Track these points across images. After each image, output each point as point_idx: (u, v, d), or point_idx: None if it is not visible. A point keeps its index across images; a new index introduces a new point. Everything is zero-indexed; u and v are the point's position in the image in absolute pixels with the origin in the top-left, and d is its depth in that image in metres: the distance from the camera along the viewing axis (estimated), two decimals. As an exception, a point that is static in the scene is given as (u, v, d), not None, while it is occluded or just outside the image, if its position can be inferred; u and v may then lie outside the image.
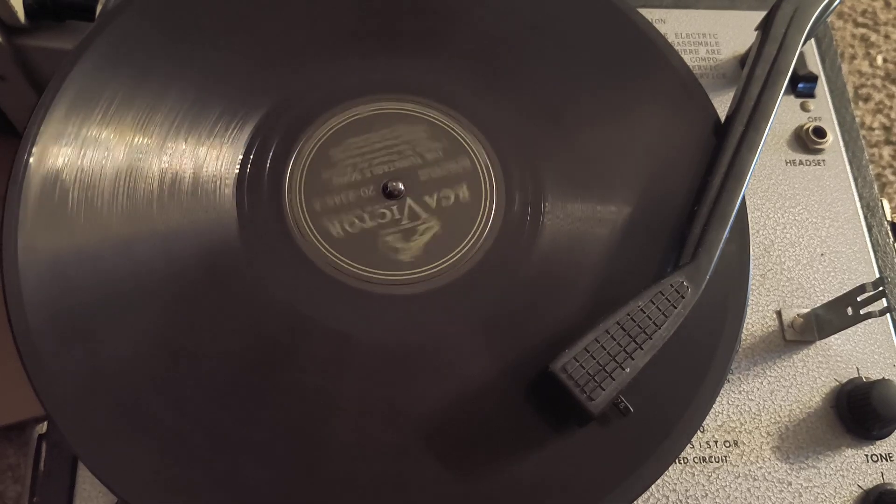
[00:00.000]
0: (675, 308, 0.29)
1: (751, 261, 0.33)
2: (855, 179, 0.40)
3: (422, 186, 0.33)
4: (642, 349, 0.28)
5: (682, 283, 0.30)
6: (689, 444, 0.31)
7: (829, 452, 0.33)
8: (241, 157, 0.32)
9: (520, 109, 0.35)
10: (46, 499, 0.31)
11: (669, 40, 0.38)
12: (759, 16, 0.38)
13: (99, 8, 0.38)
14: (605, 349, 0.28)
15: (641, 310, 0.29)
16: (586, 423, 0.28)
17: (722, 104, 0.37)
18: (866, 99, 0.62)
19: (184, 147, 0.32)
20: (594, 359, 0.28)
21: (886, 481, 0.33)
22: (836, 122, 0.41)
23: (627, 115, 0.35)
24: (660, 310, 0.29)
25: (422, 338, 0.30)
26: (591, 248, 0.32)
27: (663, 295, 0.29)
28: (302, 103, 0.33)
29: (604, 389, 0.27)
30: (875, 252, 0.38)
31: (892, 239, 0.39)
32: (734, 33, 0.43)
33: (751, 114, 0.34)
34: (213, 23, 0.34)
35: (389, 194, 0.32)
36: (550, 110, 0.35)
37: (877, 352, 0.36)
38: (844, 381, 0.35)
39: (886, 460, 0.34)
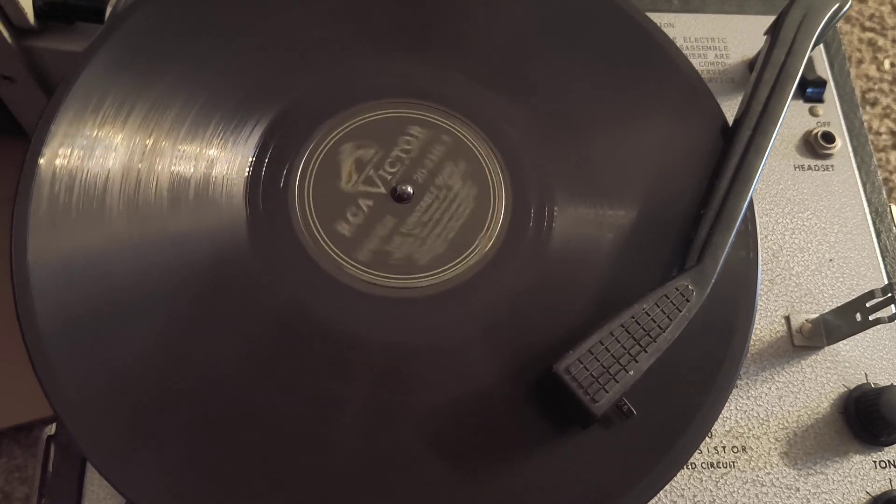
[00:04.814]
0: (680, 311, 0.29)
1: (759, 266, 0.33)
2: (863, 184, 0.39)
3: (430, 190, 0.33)
4: (646, 352, 0.28)
5: (687, 286, 0.30)
6: (697, 450, 0.31)
7: (837, 458, 0.33)
8: (251, 159, 0.32)
9: (528, 113, 0.35)
10: (55, 500, 0.31)
11: (678, 44, 0.38)
12: (767, 20, 0.38)
13: (108, 10, 0.38)
14: (608, 351, 0.28)
15: (646, 313, 0.29)
16: (589, 425, 0.28)
17: (730, 108, 0.37)
18: (873, 103, 0.62)
19: (194, 149, 0.32)
20: (598, 361, 0.28)
21: (894, 488, 0.33)
22: (844, 128, 0.41)
23: (636, 118, 0.35)
24: (664, 313, 0.29)
25: (428, 340, 0.30)
26: (598, 252, 0.32)
27: (668, 298, 0.29)
28: (312, 106, 0.33)
29: (607, 391, 0.27)
30: (884, 257, 0.38)
31: (901, 244, 0.38)
32: (743, 38, 0.43)
33: (759, 118, 0.34)
34: (223, 25, 0.34)
35: (399, 198, 0.32)
36: (559, 114, 0.35)
37: (885, 358, 0.36)
38: (853, 386, 0.35)
39: (895, 466, 0.33)
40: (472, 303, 0.31)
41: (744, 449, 0.33)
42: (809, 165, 0.40)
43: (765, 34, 0.38)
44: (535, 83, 0.36)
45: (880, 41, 0.65)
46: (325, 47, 0.35)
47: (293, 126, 0.33)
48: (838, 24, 0.41)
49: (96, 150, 0.31)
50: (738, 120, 0.34)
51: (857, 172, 0.40)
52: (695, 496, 0.32)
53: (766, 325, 0.36)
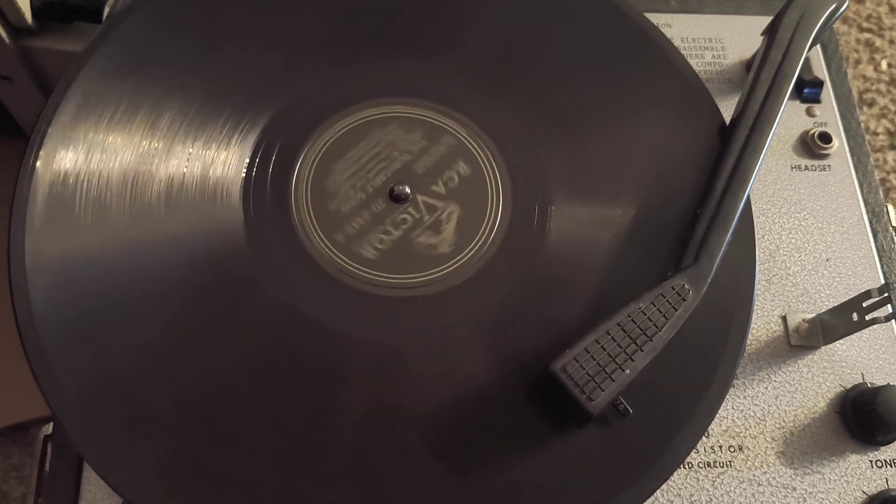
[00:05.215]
0: (676, 310, 0.29)
1: (756, 265, 0.33)
2: (860, 185, 0.40)
3: (428, 190, 0.33)
4: (642, 351, 0.28)
5: (684, 285, 0.30)
6: (693, 449, 0.31)
7: (833, 458, 0.33)
8: (247, 160, 0.32)
9: (527, 114, 0.35)
10: (52, 500, 0.31)
11: (675, 45, 0.38)
12: (765, 21, 0.38)
13: (106, 10, 0.38)
14: (605, 350, 0.28)
15: (642, 311, 0.29)
16: (585, 424, 0.28)
17: (727, 108, 0.37)
18: (871, 104, 0.62)
19: (191, 151, 0.32)
20: (594, 360, 0.28)
21: (891, 487, 0.33)
22: (841, 128, 0.41)
23: (633, 118, 0.35)
24: (660, 312, 0.29)
25: (425, 339, 0.30)
26: (595, 251, 0.32)
27: (664, 297, 0.29)
28: (309, 106, 0.33)
29: (603, 390, 0.27)
30: (880, 257, 0.38)
31: (897, 244, 0.39)
32: (740, 38, 0.43)
33: (756, 118, 0.34)
34: (221, 26, 0.34)
35: (396, 198, 0.32)
36: (557, 114, 0.35)
37: (882, 357, 0.36)
38: (849, 386, 0.35)
39: (891, 466, 0.34)
40: (470, 302, 0.31)
41: (740, 448, 0.33)
42: (806, 165, 0.40)
43: (762, 34, 0.38)
44: (533, 84, 0.36)
45: (877, 42, 0.65)
46: (322, 48, 0.35)
47: (291, 126, 0.33)
48: (835, 25, 0.41)
49: (94, 151, 0.31)
50: (735, 120, 0.34)
51: (853, 172, 0.40)
52: (691, 495, 0.32)
53: (762, 325, 0.36)
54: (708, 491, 0.33)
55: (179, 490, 0.27)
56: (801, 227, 0.38)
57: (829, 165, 0.40)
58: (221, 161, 0.32)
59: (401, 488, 0.28)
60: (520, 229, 0.32)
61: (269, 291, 0.30)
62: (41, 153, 0.30)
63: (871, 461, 0.34)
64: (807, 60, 0.40)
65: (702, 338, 0.31)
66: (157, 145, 0.31)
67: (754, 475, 0.33)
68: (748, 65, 0.42)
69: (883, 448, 0.34)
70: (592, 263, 0.32)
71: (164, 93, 0.32)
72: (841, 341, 0.35)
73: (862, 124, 0.42)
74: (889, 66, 0.64)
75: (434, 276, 0.31)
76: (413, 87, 0.35)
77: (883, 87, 0.63)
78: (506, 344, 0.30)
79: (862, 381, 0.35)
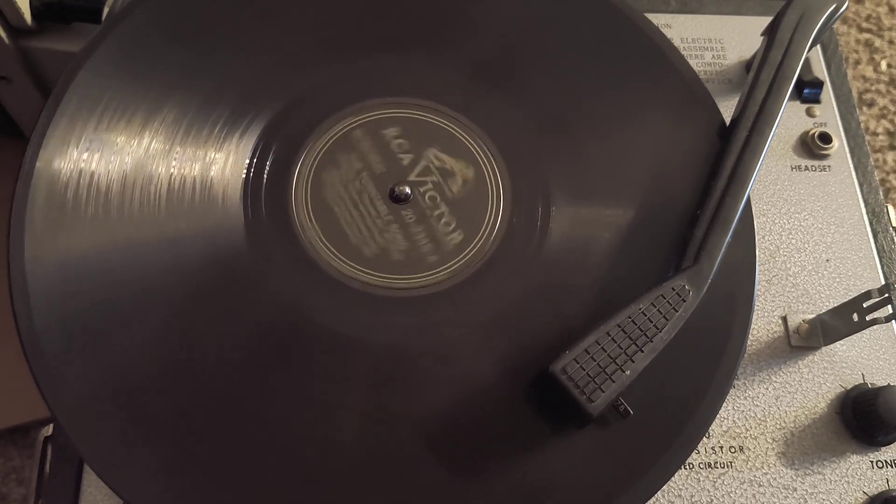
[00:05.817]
0: (676, 311, 0.29)
1: (756, 266, 0.33)
2: (860, 185, 0.40)
3: (427, 190, 0.33)
4: (642, 352, 0.28)
5: (684, 286, 0.30)
6: (694, 450, 0.31)
7: (834, 459, 0.33)
8: (248, 161, 0.32)
9: (527, 114, 0.35)
10: (52, 502, 0.31)
11: (675, 45, 0.38)
12: (764, 21, 0.38)
13: (106, 10, 0.38)
14: (605, 351, 0.28)
15: (642, 312, 0.29)
16: (585, 425, 0.28)
17: (727, 109, 0.37)
18: (870, 104, 0.62)
19: (191, 151, 0.32)
20: (594, 360, 0.28)
21: (892, 487, 0.33)
22: (841, 128, 0.41)
23: (634, 119, 0.35)
24: (661, 313, 0.29)
25: (425, 340, 0.30)
26: (596, 252, 0.32)
27: (664, 298, 0.29)
28: (308, 107, 0.33)
29: (603, 391, 0.27)
30: (880, 258, 0.38)
31: (897, 244, 0.39)
32: (740, 38, 0.43)
33: (755, 118, 0.34)
34: (221, 26, 0.34)
35: (396, 198, 0.32)
36: (557, 115, 0.35)
37: (882, 358, 0.36)
38: (850, 387, 0.35)
39: (891, 466, 0.33)
40: (470, 303, 0.31)
41: (741, 449, 0.33)
42: (806, 166, 0.40)
43: (762, 35, 0.38)
44: (534, 85, 0.36)
45: (877, 42, 0.65)
46: (322, 48, 0.35)
47: (291, 127, 0.33)
48: (835, 25, 0.41)
49: (93, 151, 0.31)
50: (735, 120, 0.34)
51: (853, 173, 0.40)
52: (692, 496, 0.32)
53: (763, 326, 0.36)
54: (709, 492, 0.33)
55: (179, 492, 0.27)
56: (802, 227, 0.38)
57: (829, 166, 0.40)
58: (222, 161, 0.32)
59: (400, 489, 0.28)
60: (520, 230, 0.32)
61: (270, 292, 0.30)
62: (41, 153, 0.30)
63: (871, 462, 0.34)
64: (807, 61, 0.40)
65: (702, 338, 0.31)
66: (157, 145, 0.31)
67: (755, 476, 0.33)
68: (748, 65, 0.42)
69: (883, 448, 0.34)
70: (592, 264, 0.32)
71: (163, 93, 0.32)
72: (841, 342, 0.35)
73: (862, 125, 0.42)
74: (889, 66, 0.64)
75: (434, 276, 0.31)
76: (414, 88, 0.35)
77: (882, 87, 0.63)
78: (505, 345, 0.30)
79: (862, 382, 0.35)
